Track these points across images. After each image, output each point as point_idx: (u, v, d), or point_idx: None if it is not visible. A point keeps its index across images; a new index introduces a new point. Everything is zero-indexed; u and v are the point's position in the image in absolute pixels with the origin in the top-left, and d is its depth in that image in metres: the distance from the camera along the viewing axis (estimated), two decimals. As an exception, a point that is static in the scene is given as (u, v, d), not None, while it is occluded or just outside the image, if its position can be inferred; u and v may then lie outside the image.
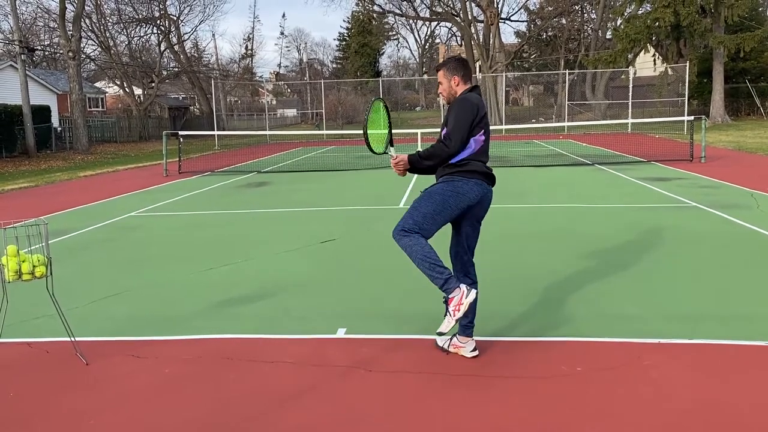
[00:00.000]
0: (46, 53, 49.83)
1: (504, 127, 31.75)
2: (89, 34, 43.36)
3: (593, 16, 48.44)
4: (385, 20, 67.89)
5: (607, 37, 44.47)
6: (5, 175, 18.40)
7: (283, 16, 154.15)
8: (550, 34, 55.37)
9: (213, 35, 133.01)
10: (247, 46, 67.89)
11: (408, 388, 3.45)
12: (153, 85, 46.67)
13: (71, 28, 27.67)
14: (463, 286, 3.50)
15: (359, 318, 4.61)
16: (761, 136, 23.76)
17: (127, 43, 48.68)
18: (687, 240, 6.89)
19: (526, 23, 56.35)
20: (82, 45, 32.43)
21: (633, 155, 17.50)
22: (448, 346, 3.91)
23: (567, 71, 43.21)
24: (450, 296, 3.49)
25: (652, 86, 38.19)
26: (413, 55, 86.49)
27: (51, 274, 3.97)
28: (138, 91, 48.92)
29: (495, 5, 42.35)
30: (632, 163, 15.82)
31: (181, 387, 3.55)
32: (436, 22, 62.66)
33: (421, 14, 52.15)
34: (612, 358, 3.75)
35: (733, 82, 37.36)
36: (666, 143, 22.20)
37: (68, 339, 4.07)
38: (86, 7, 35.55)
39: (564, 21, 52.53)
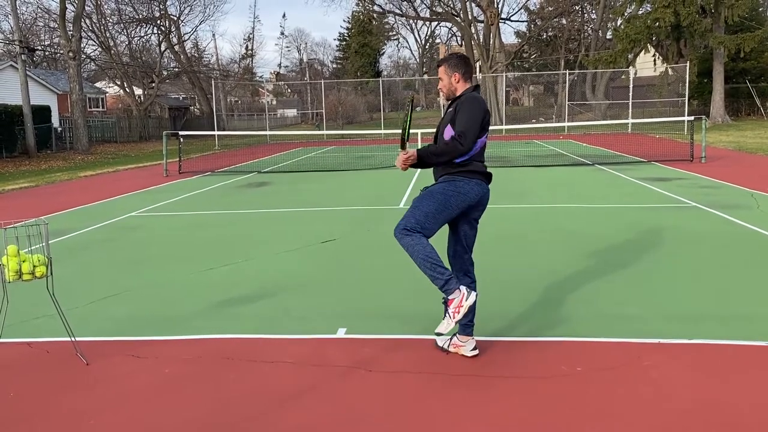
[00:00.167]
0: (47, 53, 49.86)
1: (504, 127, 31.75)
2: (89, 34, 43.40)
3: (593, 16, 48.45)
4: (386, 20, 67.92)
5: (608, 37, 44.48)
6: (5, 175, 18.41)
7: (284, 16, 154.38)
8: (550, 34, 55.38)
9: (213, 35, 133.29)
10: (247, 46, 67.92)
11: (408, 388, 3.45)
12: (153, 85, 46.69)
13: (71, 28, 27.68)
14: (463, 288, 3.50)
15: (359, 318, 4.62)
16: (761, 136, 23.76)
17: (127, 43, 48.75)
18: (687, 240, 6.89)
19: (526, 23, 56.42)
20: (82, 45, 32.44)
21: (633, 155, 17.50)
22: (448, 346, 3.91)
23: (567, 71, 43.22)
24: (450, 298, 3.49)
25: (652, 86, 38.20)
26: (413, 55, 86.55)
27: (51, 274, 3.97)
28: (138, 91, 48.94)
29: (495, 5, 42.35)
30: (632, 163, 15.82)
31: (181, 387, 3.55)
32: (436, 22, 62.70)
33: (422, 14, 52.17)
34: (612, 358, 3.75)
35: (734, 82, 37.37)
36: (666, 143, 22.20)
37: (68, 339, 4.07)
38: (86, 8, 35.57)
39: (564, 21, 52.55)
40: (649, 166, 14.81)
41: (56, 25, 38.90)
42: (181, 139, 18.32)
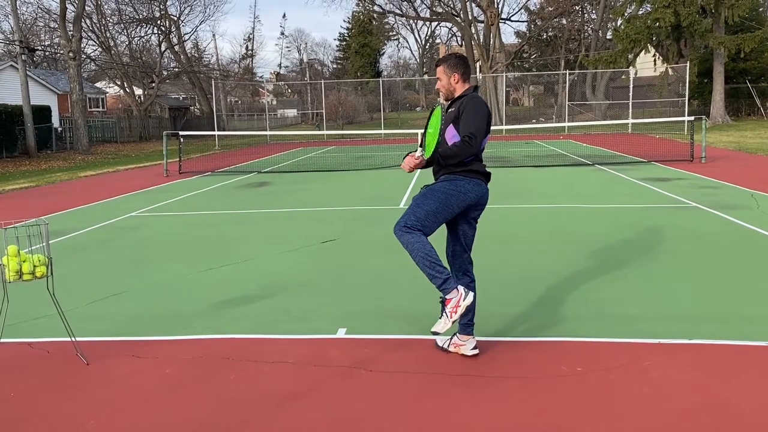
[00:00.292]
0: (47, 53, 49.87)
1: (504, 127, 31.75)
2: (90, 34, 43.42)
3: (593, 16, 48.45)
4: (386, 20, 67.93)
5: (608, 37, 44.48)
6: (6, 176, 18.41)
7: (284, 16, 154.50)
8: (550, 34, 55.39)
9: (213, 35, 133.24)
10: (247, 47, 67.95)
11: (408, 388, 3.45)
12: (153, 85, 46.69)
13: (72, 28, 27.68)
14: (461, 288, 3.50)
15: (359, 318, 4.62)
16: (761, 136, 23.76)
17: (127, 43, 48.76)
18: (687, 240, 6.89)
19: (526, 23, 56.42)
20: (82, 45, 32.45)
21: (633, 155, 17.50)
22: (448, 346, 3.91)
23: (567, 71, 43.23)
24: (447, 297, 3.50)
25: (652, 86, 38.19)
26: (413, 55, 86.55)
27: (51, 274, 3.97)
28: (138, 92, 48.95)
29: (495, 5, 42.35)
30: (632, 163, 15.82)
31: (181, 387, 3.56)
32: (436, 23, 62.71)
33: (422, 14, 52.17)
34: (612, 358, 3.76)
35: (734, 82, 37.37)
36: (666, 143, 22.20)
37: (69, 339, 4.07)
38: (87, 8, 35.57)
39: (564, 21, 52.54)
40: (649, 167, 14.81)
41: (56, 26, 38.95)
42: (182, 139, 18.31)
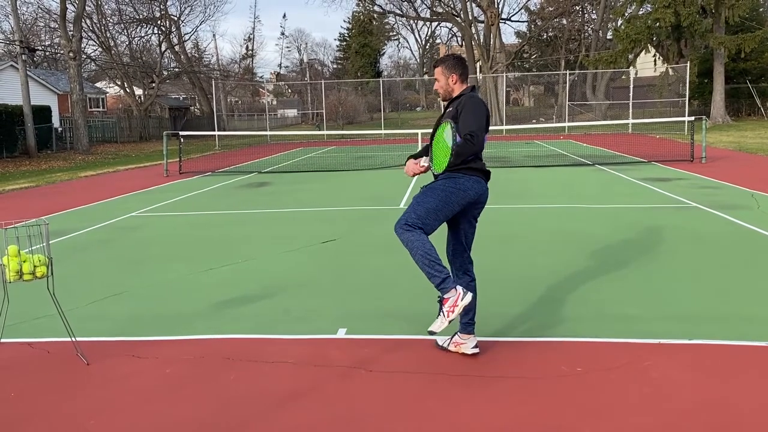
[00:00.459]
0: (47, 53, 49.89)
1: (505, 127, 31.75)
2: (90, 34, 43.43)
3: (594, 16, 48.45)
4: (386, 20, 67.93)
5: (608, 37, 44.47)
6: (6, 176, 18.42)
7: (284, 16, 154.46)
8: (550, 34, 55.38)
9: (213, 35, 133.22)
10: (247, 47, 67.98)
11: (408, 388, 3.45)
12: (153, 85, 46.71)
13: (72, 28, 27.69)
14: (459, 288, 3.50)
15: (359, 318, 4.62)
16: (762, 136, 23.76)
17: (127, 43, 48.78)
18: (687, 240, 6.89)
19: (526, 23, 56.43)
20: (82, 45, 32.47)
21: (633, 156, 17.50)
22: (449, 345, 3.92)
23: (567, 72, 43.23)
24: (445, 296, 3.50)
25: (652, 87, 38.18)
26: (414, 55, 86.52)
27: (52, 274, 3.98)
28: (138, 92, 48.96)
29: (495, 5, 42.35)
30: (633, 163, 15.82)
31: (181, 387, 3.56)
32: (436, 23, 62.74)
33: (422, 14, 52.18)
34: (612, 358, 3.76)
35: (734, 82, 37.36)
36: (666, 144, 22.20)
37: (69, 339, 4.07)
38: (87, 8, 35.59)
39: (564, 21, 52.53)
40: (649, 167, 14.81)
41: (57, 26, 38.97)
42: (182, 140, 18.32)
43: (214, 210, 10.30)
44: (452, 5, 46.46)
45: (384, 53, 74.68)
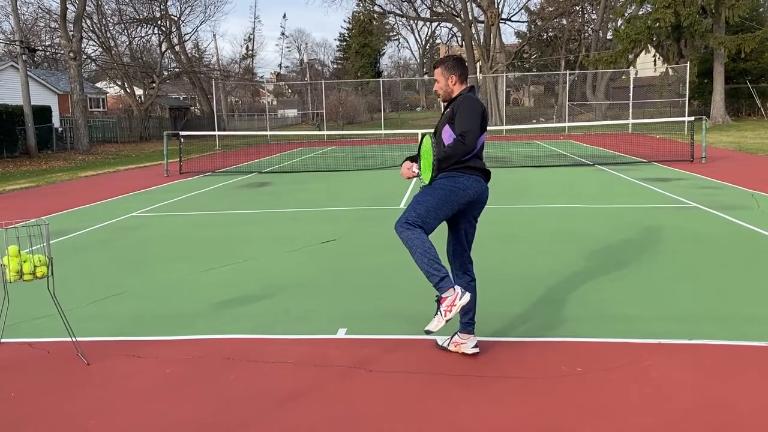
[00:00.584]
0: (47, 54, 49.89)
1: (505, 127, 31.75)
2: (90, 34, 43.44)
3: (594, 16, 48.44)
4: (386, 21, 67.93)
5: (608, 37, 44.47)
6: (6, 176, 18.42)
7: (284, 16, 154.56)
8: (550, 34, 55.38)
9: (214, 36, 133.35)
10: (247, 47, 67.99)
11: (408, 388, 3.46)
12: (154, 85, 46.72)
13: (72, 28, 27.70)
14: (457, 288, 3.50)
15: (359, 318, 4.62)
16: (762, 136, 23.75)
17: (128, 43, 48.77)
18: (687, 240, 6.89)
19: (526, 24, 56.42)
20: (83, 45, 32.47)
21: (633, 156, 17.50)
22: (449, 345, 3.92)
23: (567, 72, 43.22)
24: (443, 296, 3.49)
25: (652, 87, 38.18)
26: (414, 55, 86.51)
27: (52, 274, 3.98)
28: (139, 92, 48.98)
29: (495, 6, 42.36)
30: (633, 163, 15.82)
31: (181, 387, 3.56)
32: (436, 23, 62.74)
33: (422, 15, 52.18)
34: (612, 358, 3.76)
35: (734, 82, 37.36)
36: (666, 144, 22.20)
37: (69, 339, 4.07)
38: (87, 8, 35.60)
39: (564, 21, 52.54)
40: (649, 167, 14.81)
41: (57, 26, 38.98)
42: (182, 140, 18.33)
43: (215, 210, 10.30)
44: (452, 5, 46.48)
45: (384, 53, 74.75)
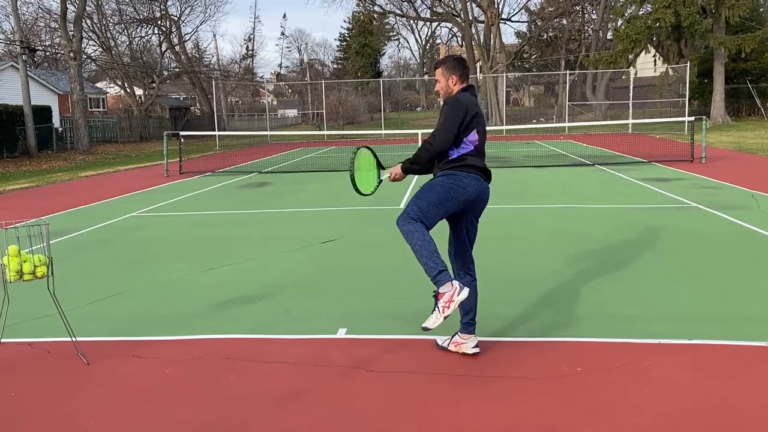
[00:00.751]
0: (47, 54, 49.90)
1: (505, 127, 31.74)
2: (90, 34, 43.45)
3: (594, 16, 48.45)
4: (386, 21, 67.93)
5: (608, 37, 44.47)
6: (6, 176, 18.42)
7: (284, 16, 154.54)
8: (550, 34, 55.40)
9: (214, 36, 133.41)
10: (247, 47, 68.01)
11: (408, 388, 3.46)
12: (154, 85, 46.74)
13: (72, 28, 27.70)
14: (455, 282, 3.46)
15: (359, 318, 4.62)
16: (762, 136, 23.75)
17: (128, 43, 48.79)
18: (687, 240, 6.89)
19: (526, 24, 56.45)
20: (83, 45, 32.47)
21: (634, 156, 17.50)
22: (449, 345, 3.92)
23: (568, 72, 43.23)
24: (441, 291, 3.45)
25: (652, 87, 38.19)
26: (414, 55, 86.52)
27: (52, 274, 3.98)
28: (139, 92, 48.99)
29: (496, 6, 42.37)
30: (633, 163, 15.82)
31: (181, 387, 3.56)
32: (436, 23, 62.74)
33: (422, 15, 52.19)
34: (612, 358, 3.76)
35: (734, 82, 37.36)
36: (666, 144, 22.20)
37: (69, 339, 4.07)
38: (87, 8, 35.60)
39: (565, 22, 52.55)
40: (649, 167, 14.81)
41: (57, 26, 38.97)
42: (182, 140, 18.34)
43: (215, 210, 10.30)
44: (452, 5, 46.49)
45: (384, 53, 74.75)
